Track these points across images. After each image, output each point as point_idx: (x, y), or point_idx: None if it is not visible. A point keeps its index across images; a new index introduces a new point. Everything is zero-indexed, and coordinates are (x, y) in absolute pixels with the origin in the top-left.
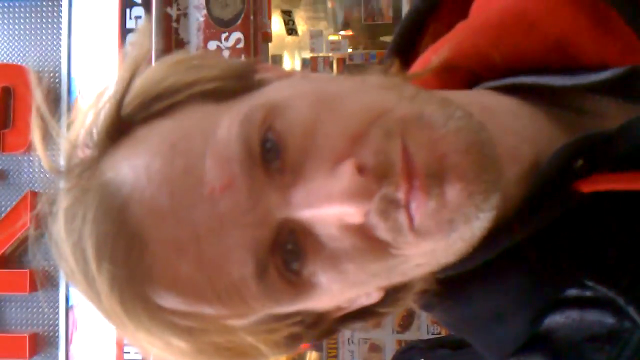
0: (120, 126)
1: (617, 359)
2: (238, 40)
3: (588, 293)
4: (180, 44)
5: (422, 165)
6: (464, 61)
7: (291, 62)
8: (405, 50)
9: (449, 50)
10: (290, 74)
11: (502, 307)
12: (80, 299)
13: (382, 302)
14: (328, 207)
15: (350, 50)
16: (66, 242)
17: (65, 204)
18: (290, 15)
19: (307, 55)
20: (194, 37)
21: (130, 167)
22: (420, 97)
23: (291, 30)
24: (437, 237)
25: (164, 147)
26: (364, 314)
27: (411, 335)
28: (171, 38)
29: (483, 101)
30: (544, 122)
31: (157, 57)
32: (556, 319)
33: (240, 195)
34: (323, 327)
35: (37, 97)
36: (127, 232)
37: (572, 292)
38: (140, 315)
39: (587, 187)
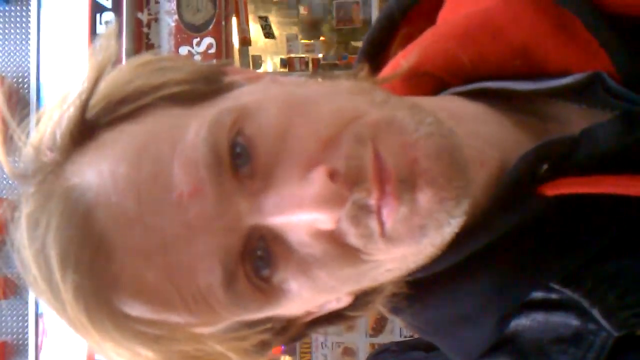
0: (85, 130)
1: None
2: (210, 46)
3: (553, 296)
4: (151, 48)
5: (393, 171)
6: (431, 67)
7: (271, 63)
8: (375, 55)
9: (417, 56)
10: (260, 76)
11: (469, 309)
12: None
13: (352, 306)
14: (300, 214)
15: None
16: (29, 249)
17: (27, 209)
18: (266, 21)
19: (284, 56)
20: (165, 42)
21: (96, 172)
22: (391, 102)
23: (268, 34)
24: (408, 243)
25: (130, 152)
26: (333, 317)
27: (384, 338)
28: (142, 43)
29: (450, 107)
30: (510, 128)
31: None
32: (522, 322)
33: (208, 201)
34: (292, 331)
35: None
36: (92, 239)
37: (538, 294)
38: (106, 325)
39: (551, 190)
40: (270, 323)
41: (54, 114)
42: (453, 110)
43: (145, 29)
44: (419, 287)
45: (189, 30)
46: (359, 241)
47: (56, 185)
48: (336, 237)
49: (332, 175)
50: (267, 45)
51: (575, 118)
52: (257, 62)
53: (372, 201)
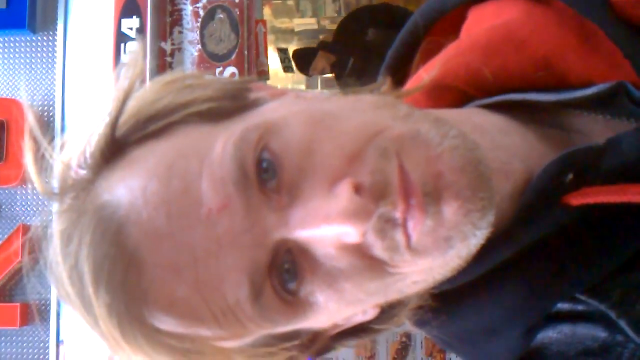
0: (115, 147)
1: None
2: (232, 75)
3: (580, 307)
4: None
5: (418, 184)
6: (454, 80)
7: None
8: (398, 69)
9: (440, 69)
10: (284, 92)
11: (495, 321)
12: (70, 335)
13: (378, 319)
14: (326, 227)
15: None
16: (62, 265)
17: (60, 226)
18: (285, 53)
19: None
20: (189, 70)
21: (126, 188)
22: (415, 116)
23: (287, 67)
24: (434, 255)
25: (160, 168)
26: (359, 331)
27: None
28: (165, 70)
29: (474, 119)
30: (533, 139)
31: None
32: (549, 334)
33: (236, 216)
34: (319, 344)
35: (30, 119)
36: (124, 255)
37: (565, 306)
38: (138, 339)
39: (576, 200)
40: (298, 338)
41: (84, 133)
42: (476, 122)
43: (168, 59)
44: (444, 299)
45: (211, 59)
46: (385, 253)
47: (88, 202)
48: (362, 250)
49: (358, 189)
50: (285, 78)
51: (598, 128)
52: None
53: (398, 214)
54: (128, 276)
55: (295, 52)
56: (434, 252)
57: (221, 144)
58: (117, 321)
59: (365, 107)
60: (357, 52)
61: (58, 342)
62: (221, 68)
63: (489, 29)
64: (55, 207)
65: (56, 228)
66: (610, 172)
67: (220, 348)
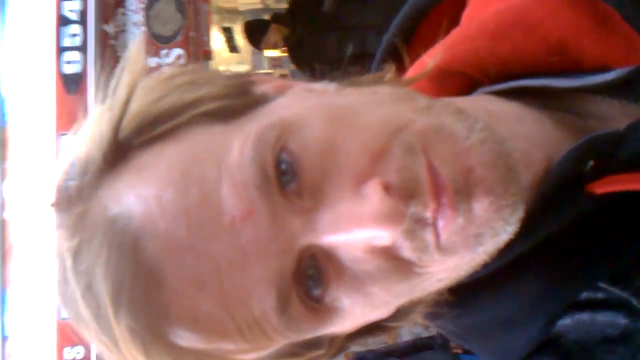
0: (118, 151)
1: None
2: (179, 57)
3: (600, 295)
4: (119, 60)
5: (449, 181)
6: (462, 66)
7: None
8: (395, 55)
9: (445, 55)
10: (289, 85)
11: (515, 313)
12: (15, 331)
13: (393, 317)
14: (358, 231)
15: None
16: (75, 286)
17: (69, 243)
18: (230, 33)
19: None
20: None
21: (138, 198)
22: (436, 108)
23: (233, 47)
24: (463, 253)
25: (174, 175)
26: (374, 329)
27: None
28: (109, 54)
29: (487, 107)
30: (550, 126)
31: (97, 76)
32: (566, 322)
33: (262, 223)
34: (335, 346)
35: None
36: (143, 272)
37: (583, 294)
38: None
39: (600, 188)
40: (319, 344)
41: (83, 138)
42: (490, 110)
43: (112, 41)
44: (460, 293)
45: (157, 41)
46: (414, 254)
47: (97, 215)
48: (390, 251)
49: (387, 189)
50: (230, 58)
51: (615, 114)
52: None
53: (429, 214)
54: (149, 294)
55: (247, 25)
56: (463, 250)
57: (237, 146)
58: (141, 343)
59: (382, 101)
60: (312, 24)
61: (3, 338)
62: (167, 50)
63: (497, 13)
64: (57, 219)
65: (64, 244)
66: (631, 158)
67: None
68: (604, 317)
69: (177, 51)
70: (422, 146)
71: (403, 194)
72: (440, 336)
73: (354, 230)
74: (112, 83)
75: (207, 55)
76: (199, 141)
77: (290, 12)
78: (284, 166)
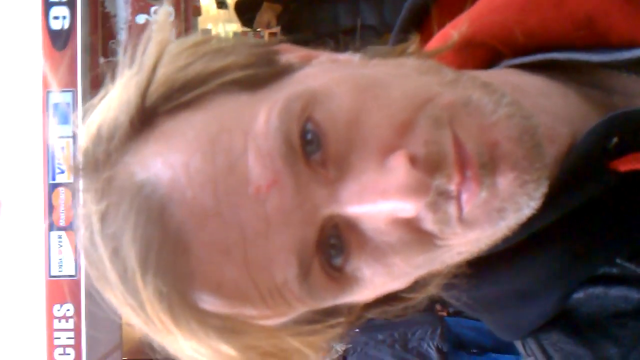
0: (145, 117)
1: None
2: (169, 14)
3: (614, 270)
4: (107, 17)
5: (474, 155)
6: (488, 38)
7: (223, 33)
8: (416, 25)
9: (471, 26)
10: (314, 55)
11: (530, 287)
12: (3, 290)
13: (410, 287)
14: (383, 203)
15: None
16: (103, 249)
17: (97, 207)
18: None
19: (238, 29)
20: (122, 10)
21: (165, 165)
22: (463, 81)
23: (221, 3)
24: (486, 227)
25: (202, 143)
26: (391, 299)
27: None
28: (97, 11)
29: (512, 81)
30: (575, 101)
31: (83, 31)
32: (579, 296)
33: (286, 193)
34: (354, 315)
35: None
36: (170, 238)
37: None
38: (191, 324)
39: (625, 165)
40: (339, 312)
41: (110, 104)
42: (515, 84)
43: None
44: (478, 265)
45: None
46: (436, 226)
47: (124, 181)
48: (412, 223)
49: (412, 161)
50: (219, 15)
51: (639, 90)
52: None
53: (453, 186)
54: (176, 259)
55: (237, 4)
56: (485, 224)
57: (264, 115)
58: (167, 306)
59: (409, 73)
60: None
61: None
62: (156, 7)
63: None
64: (83, 182)
65: (92, 208)
66: None
67: (265, 326)
68: (617, 292)
69: (167, 8)
70: (449, 119)
71: (428, 166)
72: (425, 298)
73: (379, 201)
74: (139, 48)
75: (197, 11)
76: (226, 110)
77: None
78: (309, 136)
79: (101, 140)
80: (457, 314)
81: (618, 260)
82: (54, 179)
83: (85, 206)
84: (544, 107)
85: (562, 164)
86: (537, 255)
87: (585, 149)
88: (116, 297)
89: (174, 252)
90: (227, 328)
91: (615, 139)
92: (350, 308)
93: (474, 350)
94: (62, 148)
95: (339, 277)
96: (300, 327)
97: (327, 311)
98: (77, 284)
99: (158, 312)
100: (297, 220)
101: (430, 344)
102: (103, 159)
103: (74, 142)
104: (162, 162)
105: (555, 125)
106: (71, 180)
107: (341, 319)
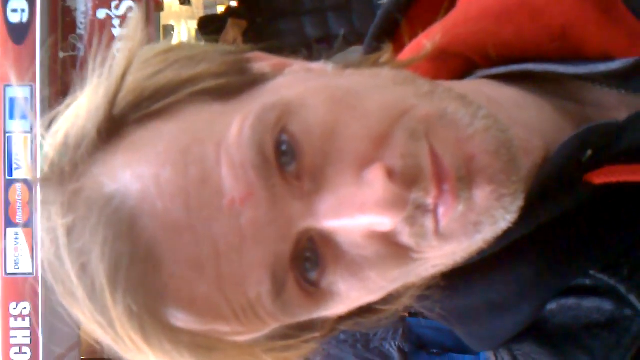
0: (113, 126)
1: (615, 347)
2: (129, 9)
3: (587, 282)
4: (68, 12)
5: (451, 168)
6: (461, 48)
7: (186, 29)
8: (388, 34)
9: (445, 36)
10: (287, 64)
11: (504, 298)
12: None
13: (384, 300)
14: (360, 217)
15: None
16: (70, 265)
17: (63, 220)
18: None
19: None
20: (82, 4)
21: (134, 176)
22: (438, 93)
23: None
24: (462, 240)
25: (173, 154)
26: (364, 311)
27: None
28: (57, 6)
29: (487, 92)
30: (549, 113)
31: (42, 24)
32: (552, 307)
33: (261, 206)
34: (327, 328)
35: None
36: (141, 254)
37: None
38: (163, 343)
39: (599, 178)
40: (312, 326)
41: (77, 112)
42: (490, 95)
43: None
44: (452, 276)
45: None
46: (412, 240)
47: (92, 193)
48: (388, 236)
49: (390, 174)
50: (181, 11)
51: (614, 103)
52: (169, 32)
53: (430, 200)
54: (146, 276)
55: (201, 21)
56: (462, 238)
57: (237, 126)
58: (138, 325)
59: (385, 84)
60: (270, 12)
61: None
62: (117, 2)
63: None
64: (46, 194)
65: (57, 222)
66: (630, 150)
67: (238, 343)
68: (590, 303)
69: (128, 3)
70: (425, 132)
71: (405, 180)
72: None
73: (356, 216)
74: (108, 56)
75: (159, 6)
76: (198, 120)
77: (245, 1)
78: (284, 147)
79: (67, 150)
80: (418, 314)
81: (591, 272)
82: (10, 174)
83: (50, 219)
84: (518, 119)
85: (536, 176)
86: (510, 267)
87: (560, 162)
88: (84, 314)
89: (145, 268)
90: (200, 345)
91: (589, 152)
92: (323, 322)
93: (435, 351)
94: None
95: (314, 292)
96: (273, 343)
97: (301, 326)
98: (34, 282)
99: (128, 331)
100: (271, 234)
101: (392, 344)
102: (69, 170)
103: (32, 139)
104: (131, 173)
105: (529, 138)
106: (29, 177)
107: (315, 334)
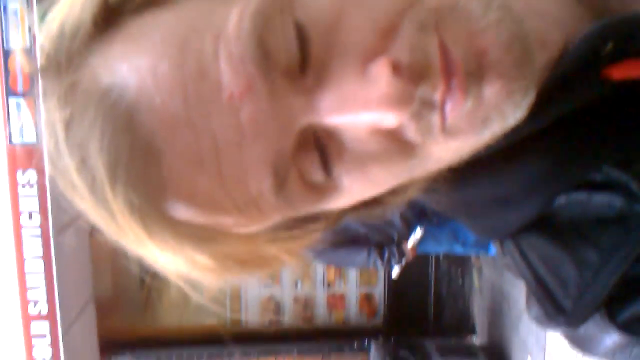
0: (109, 15)
1: (623, 242)
2: None
3: (598, 177)
4: None
5: (461, 63)
6: None
7: None
8: None
9: None
10: None
11: (512, 193)
12: None
13: (389, 192)
14: (365, 113)
15: None
16: (69, 159)
17: (61, 114)
18: None
19: None
20: None
21: (131, 69)
22: None
23: None
24: (469, 136)
25: (170, 46)
26: (369, 202)
27: None
28: None
29: None
30: (569, 3)
31: None
32: (561, 202)
33: (261, 101)
34: (332, 219)
35: None
36: (140, 148)
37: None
38: (165, 235)
39: (619, 73)
40: (316, 218)
41: (72, 1)
42: None
43: None
44: (459, 170)
45: None
46: (417, 136)
47: (89, 86)
48: (394, 132)
49: (396, 69)
50: None
51: None
52: None
53: (437, 96)
54: (146, 169)
55: None
56: (469, 134)
57: (236, 17)
58: (139, 217)
59: None
60: None
61: None
62: None
63: None
64: (44, 86)
65: (55, 115)
66: None
67: (241, 234)
68: (600, 198)
69: None
70: (435, 24)
71: (412, 74)
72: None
73: (361, 112)
74: None
75: None
76: (196, 9)
77: None
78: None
79: (63, 40)
80: None
81: (604, 167)
82: (7, 45)
83: (49, 113)
84: (536, 9)
85: (552, 69)
86: (520, 162)
87: (579, 55)
88: (86, 206)
89: (144, 161)
90: (202, 237)
91: (610, 45)
92: (327, 213)
93: (436, 220)
94: (16, 11)
95: (318, 186)
96: (277, 234)
97: (305, 218)
98: (39, 150)
99: (130, 223)
100: (272, 130)
101: (396, 211)
102: (65, 62)
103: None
104: (127, 66)
105: (547, 30)
106: (27, 46)
107: (318, 225)
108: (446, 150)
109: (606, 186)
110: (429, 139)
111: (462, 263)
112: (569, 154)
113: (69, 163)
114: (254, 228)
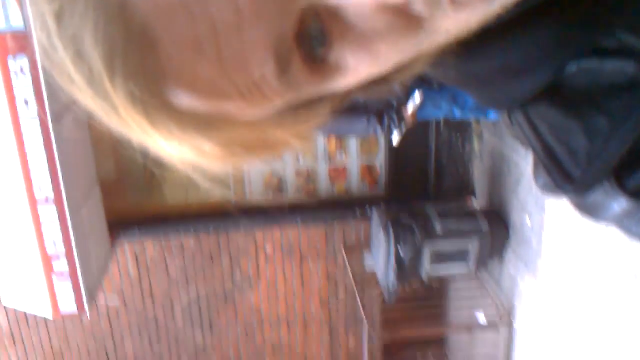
0: None
1: (635, 108)
2: None
3: (611, 43)
4: None
5: None
6: None
7: None
8: None
9: None
10: None
11: (523, 62)
12: None
13: (395, 69)
14: None
15: None
16: (64, 52)
17: (49, 6)
18: None
19: None
20: None
21: None
22: None
23: None
24: (478, 7)
25: None
26: (374, 82)
27: None
28: None
29: None
30: None
31: None
32: (572, 70)
33: None
34: (336, 100)
35: None
36: (135, 36)
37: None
38: (169, 124)
39: None
40: (321, 100)
41: None
42: None
43: None
44: (466, 42)
45: None
46: (425, 9)
47: None
48: (401, 6)
49: None
50: None
51: None
52: None
53: None
54: (144, 58)
55: None
56: (478, 4)
57: None
58: (142, 107)
59: None
60: None
61: None
62: None
63: None
64: None
65: (44, 7)
66: None
67: (246, 120)
68: (612, 65)
69: None
70: None
71: None
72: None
73: None
74: None
75: None
76: None
77: None
78: None
79: None
80: None
81: (617, 33)
82: None
83: (37, 3)
84: None
85: None
86: (531, 30)
87: None
88: (86, 100)
89: (141, 51)
90: (206, 124)
91: None
92: (333, 94)
93: (435, 86)
94: None
95: (321, 67)
96: (283, 118)
97: (310, 100)
98: (27, 37)
99: (132, 115)
100: (271, 11)
101: None
102: None
103: None
104: None
105: None
106: None
107: (325, 106)
108: (455, 23)
109: (619, 53)
110: (437, 11)
111: (462, 129)
112: (581, 19)
113: (64, 56)
114: (258, 114)
